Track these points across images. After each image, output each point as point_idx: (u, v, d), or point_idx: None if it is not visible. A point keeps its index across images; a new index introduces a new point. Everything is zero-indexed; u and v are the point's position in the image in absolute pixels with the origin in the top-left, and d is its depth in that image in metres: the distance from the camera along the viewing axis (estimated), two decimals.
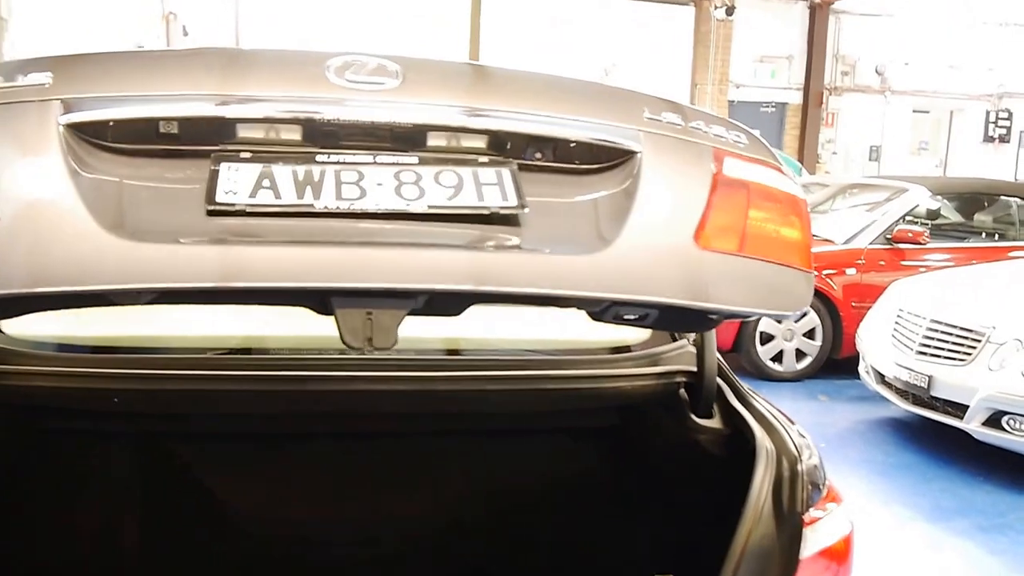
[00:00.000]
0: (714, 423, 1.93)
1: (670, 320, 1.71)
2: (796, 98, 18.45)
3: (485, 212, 1.36)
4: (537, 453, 2.38)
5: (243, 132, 1.36)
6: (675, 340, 2.09)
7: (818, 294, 7.59)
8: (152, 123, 1.34)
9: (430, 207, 1.34)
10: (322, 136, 1.36)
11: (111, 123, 1.32)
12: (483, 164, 1.40)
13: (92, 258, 1.26)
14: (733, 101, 17.75)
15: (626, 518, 2.25)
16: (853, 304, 7.40)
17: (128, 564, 2.25)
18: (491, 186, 1.39)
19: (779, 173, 1.58)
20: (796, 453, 1.61)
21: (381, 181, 1.34)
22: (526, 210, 1.38)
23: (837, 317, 7.51)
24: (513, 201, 1.38)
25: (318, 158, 1.35)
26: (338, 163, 1.35)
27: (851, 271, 7.56)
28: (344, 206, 1.31)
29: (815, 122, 18.41)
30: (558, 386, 2.00)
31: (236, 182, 1.31)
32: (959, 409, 5.26)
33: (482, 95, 1.48)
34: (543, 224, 1.40)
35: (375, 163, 1.36)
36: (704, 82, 17.43)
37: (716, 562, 1.54)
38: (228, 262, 1.29)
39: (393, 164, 1.36)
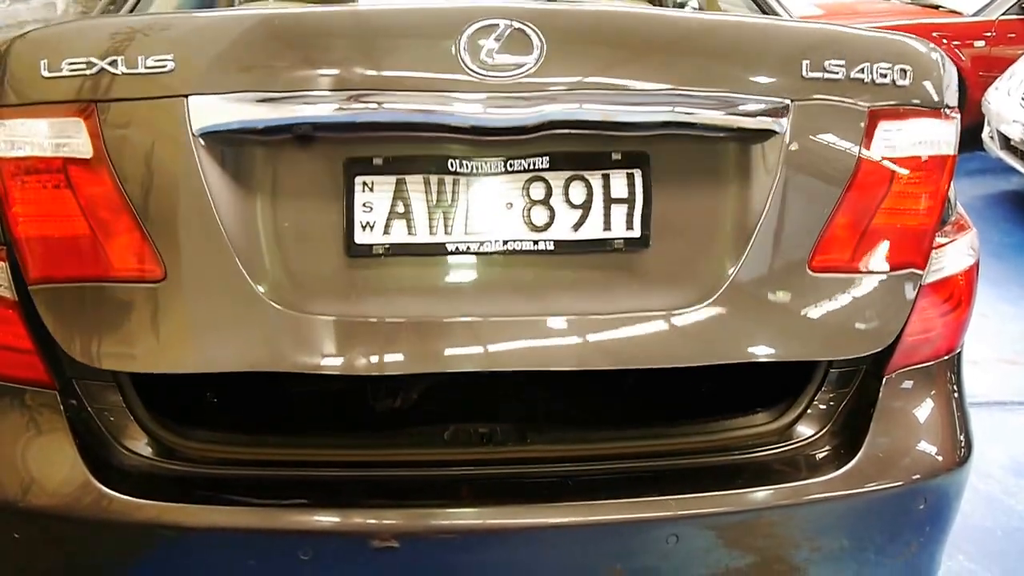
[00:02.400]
0: None
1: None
2: None
3: (609, 249, 1.35)
4: None
5: (375, 130, 1.31)
6: None
7: None
8: (285, 127, 1.29)
9: (556, 243, 1.34)
10: (456, 130, 1.30)
11: (246, 130, 1.28)
12: (616, 163, 1.36)
13: (255, 332, 1.30)
14: None
15: None
16: (980, 74, 7.09)
17: None
18: (620, 204, 1.36)
19: (937, 118, 1.41)
20: None
21: (511, 199, 1.34)
22: (649, 246, 1.36)
23: (963, 87, 7.19)
24: (637, 230, 1.36)
25: (450, 164, 1.33)
26: (470, 172, 1.33)
27: (979, 43, 7.21)
28: (474, 244, 1.33)
29: None
30: None
31: (372, 205, 1.32)
32: None
33: (626, 66, 1.33)
34: (663, 258, 1.37)
35: (507, 171, 1.34)
36: None
37: None
38: (370, 343, 1.32)
39: (524, 171, 1.34)
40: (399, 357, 1.33)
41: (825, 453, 1.52)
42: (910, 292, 1.45)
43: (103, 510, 1.34)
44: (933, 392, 1.58)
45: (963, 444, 1.59)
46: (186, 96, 1.25)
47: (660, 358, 1.37)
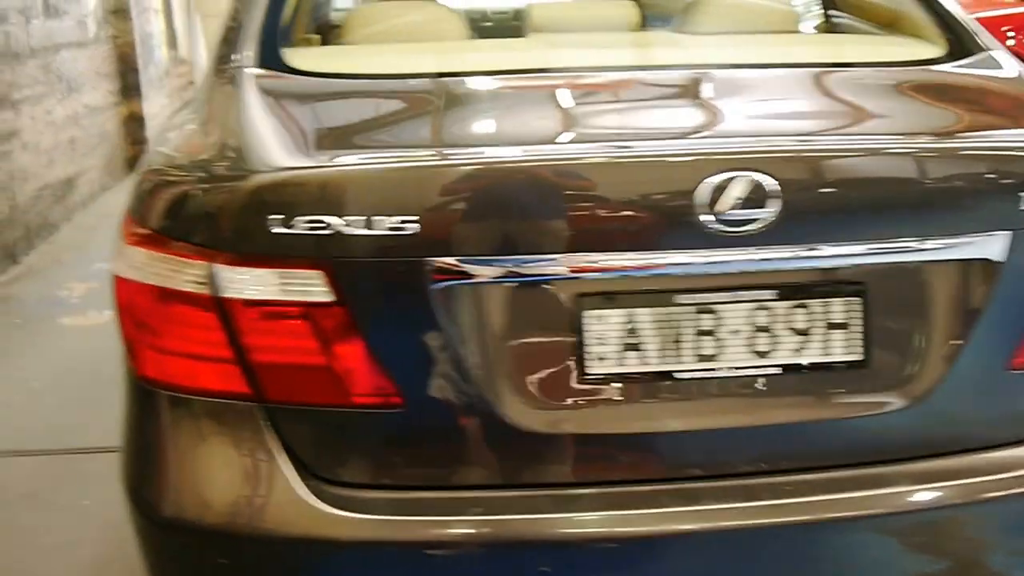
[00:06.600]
0: None
1: None
2: None
3: (829, 372, 1.39)
4: None
5: (605, 274, 1.32)
6: None
7: None
8: (520, 286, 1.32)
9: (782, 367, 1.38)
10: (685, 278, 1.34)
11: (479, 288, 1.31)
12: (836, 293, 1.38)
13: (495, 452, 1.36)
14: None
15: None
16: None
17: None
18: (840, 330, 1.39)
19: None
20: None
21: (737, 327, 1.37)
22: (867, 367, 1.39)
23: None
24: (857, 354, 1.39)
25: (677, 299, 1.35)
26: (698, 305, 1.35)
27: None
28: (703, 371, 1.36)
29: None
30: None
31: (603, 338, 1.34)
32: None
33: (855, 209, 1.35)
34: (878, 373, 1.40)
35: (734, 301, 1.36)
36: None
37: None
38: (607, 456, 1.39)
39: (751, 300, 1.37)
40: (636, 468, 1.40)
41: None
42: None
43: (323, 529, 1.31)
44: None
45: None
46: (427, 258, 1.26)
47: (872, 455, 1.43)
